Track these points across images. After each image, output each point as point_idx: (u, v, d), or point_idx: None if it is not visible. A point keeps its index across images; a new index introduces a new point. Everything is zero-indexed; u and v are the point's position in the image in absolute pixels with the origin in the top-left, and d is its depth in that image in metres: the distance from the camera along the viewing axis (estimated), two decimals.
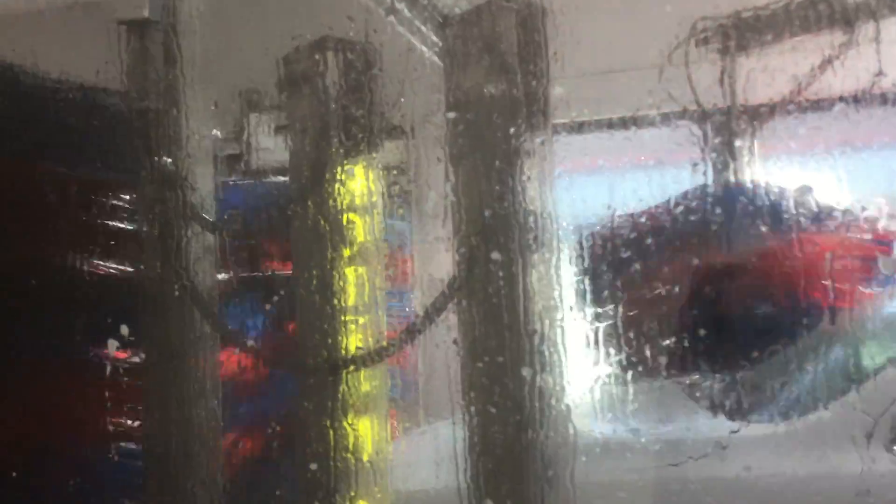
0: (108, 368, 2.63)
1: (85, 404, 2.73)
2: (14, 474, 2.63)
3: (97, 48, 2.48)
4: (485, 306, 2.10)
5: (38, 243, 2.70)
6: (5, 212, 2.60)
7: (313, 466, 2.33)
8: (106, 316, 2.58)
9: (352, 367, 2.33)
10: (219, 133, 2.64)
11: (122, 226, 2.71)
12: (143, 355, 2.52)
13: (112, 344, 2.48)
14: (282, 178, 2.50)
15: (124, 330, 2.45)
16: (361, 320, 2.39)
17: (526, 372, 2.06)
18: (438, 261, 2.46)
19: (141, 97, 2.51)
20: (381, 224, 2.45)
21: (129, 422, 2.64)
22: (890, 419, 2.25)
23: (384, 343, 2.34)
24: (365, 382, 2.37)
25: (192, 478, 2.49)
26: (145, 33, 2.52)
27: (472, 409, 2.11)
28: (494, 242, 2.08)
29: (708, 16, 5.21)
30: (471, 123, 2.15)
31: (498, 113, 2.11)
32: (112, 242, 2.74)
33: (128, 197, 2.59)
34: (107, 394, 2.67)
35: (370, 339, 2.39)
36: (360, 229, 2.41)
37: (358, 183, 2.42)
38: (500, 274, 2.08)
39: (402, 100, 2.36)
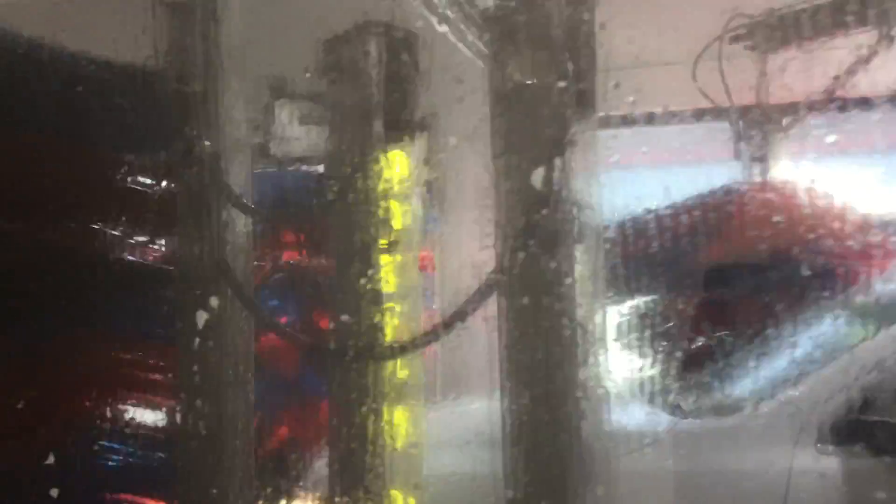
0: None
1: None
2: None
3: (138, 29, 2.47)
4: (526, 299, 2.07)
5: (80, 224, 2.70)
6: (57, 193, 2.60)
7: (346, 454, 2.32)
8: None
9: (391, 355, 2.31)
10: (257, 117, 2.62)
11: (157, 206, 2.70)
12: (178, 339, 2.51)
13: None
14: (320, 165, 2.48)
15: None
16: (399, 308, 2.38)
17: (568, 365, 2.04)
18: (476, 251, 2.45)
19: (180, 80, 2.49)
20: (419, 212, 2.43)
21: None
22: (820, 418, 2.27)
23: (422, 332, 2.32)
24: (402, 370, 2.35)
25: (225, 462, 2.48)
26: (186, 15, 2.50)
27: (512, 400, 2.08)
28: (537, 235, 2.05)
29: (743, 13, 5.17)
30: (515, 113, 2.12)
31: (542, 103, 2.07)
32: (148, 222, 2.73)
33: (164, 179, 2.57)
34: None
35: (408, 327, 2.37)
36: (399, 217, 2.39)
37: (397, 170, 2.40)
38: (542, 266, 2.05)
39: (444, 88, 2.34)
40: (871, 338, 2.48)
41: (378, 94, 2.35)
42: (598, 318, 2.09)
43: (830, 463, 2.23)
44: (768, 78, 5.18)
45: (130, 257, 2.73)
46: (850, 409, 2.27)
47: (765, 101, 5.32)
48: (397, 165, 2.40)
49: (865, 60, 4.88)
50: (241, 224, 2.54)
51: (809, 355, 2.69)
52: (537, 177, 2.06)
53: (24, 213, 2.60)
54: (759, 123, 5.36)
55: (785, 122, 5.34)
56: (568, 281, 2.05)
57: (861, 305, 3.00)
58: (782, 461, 2.17)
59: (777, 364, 2.54)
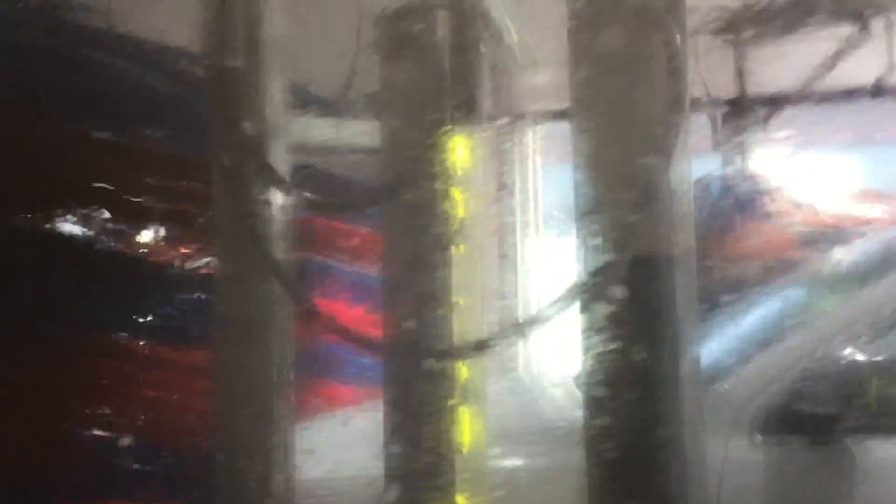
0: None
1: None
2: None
3: (177, 7, 2.28)
4: (611, 307, 1.92)
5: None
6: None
7: (412, 456, 2.17)
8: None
9: (455, 355, 2.17)
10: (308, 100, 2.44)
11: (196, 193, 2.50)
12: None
13: None
14: (377, 149, 2.31)
15: None
16: (461, 302, 2.23)
17: (664, 373, 1.91)
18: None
19: (222, 58, 2.30)
20: (484, 201, 2.29)
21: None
22: (754, 409, 2.28)
23: (499, 331, 2.18)
24: (466, 371, 2.21)
25: (266, 459, 2.31)
26: None
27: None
28: (625, 240, 1.90)
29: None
30: (599, 94, 1.98)
31: (640, 89, 1.93)
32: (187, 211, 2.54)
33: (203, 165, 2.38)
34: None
35: (472, 323, 2.23)
36: (462, 205, 2.24)
37: (461, 157, 2.25)
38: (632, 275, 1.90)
39: (518, 68, 2.20)
40: (804, 330, 2.47)
41: (446, 73, 2.19)
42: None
43: (764, 454, 2.25)
44: (745, 71, 5.18)
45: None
46: (782, 400, 2.29)
47: (742, 94, 5.32)
48: (462, 150, 2.25)
49: (841, 54, 4.90)
50: (286, 213, 2.35)
51: (744, 346, 2.66)
52: (630, 172, 1.92)
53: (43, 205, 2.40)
54: (736, 116, 5.36)
55: (762, 114, 5.34)
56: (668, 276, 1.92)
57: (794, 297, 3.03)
58: (717, 452, 2.13)
59: (712, 354, 2.51)
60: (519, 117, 4.27)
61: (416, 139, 2.20)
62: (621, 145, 1.93)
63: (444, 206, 2.22)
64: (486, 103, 2.34)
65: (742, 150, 5.39)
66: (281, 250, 2.34)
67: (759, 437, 2.25)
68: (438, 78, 2.19)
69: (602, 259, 1.89)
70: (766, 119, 5.21)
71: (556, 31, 2.04)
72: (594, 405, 1.92)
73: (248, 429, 2.31)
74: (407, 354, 2.18)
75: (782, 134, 5.31)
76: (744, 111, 5.31)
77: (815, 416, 2.23)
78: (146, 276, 2.54)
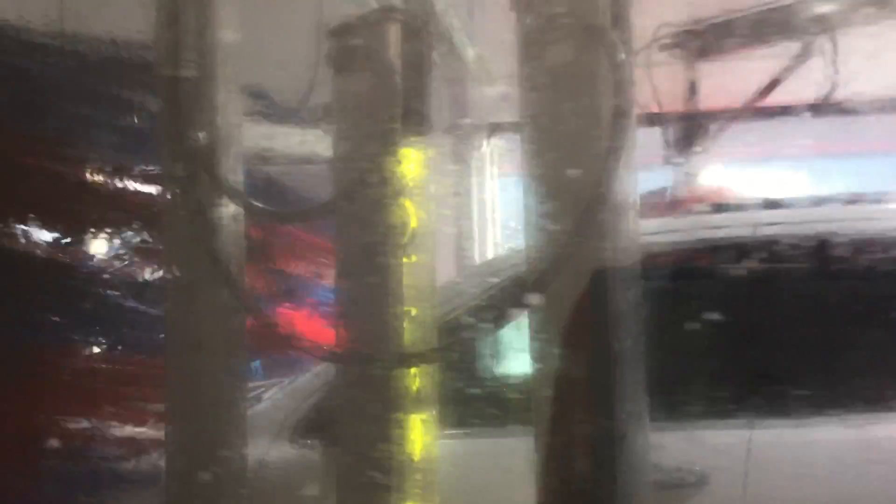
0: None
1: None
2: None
3: (130, 15, 2.28)
4: (564, 310, 1.96)
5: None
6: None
7: (357, 464, 2.19)
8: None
9: (404, 363, 2.19)
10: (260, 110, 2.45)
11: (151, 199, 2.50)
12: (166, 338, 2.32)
13: None
14: (329, 159, 2.33)
15: None
16: (413, 312, 2.25)
17: (609, 378, 1.95)
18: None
19: (173, 68, 2.31)
20: (436, 212, 2.32)
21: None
22: (294, 417, 2.65)
23: (440, 340, 2.21)
24: (416, 379, 2.23)
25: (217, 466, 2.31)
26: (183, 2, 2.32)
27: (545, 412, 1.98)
28: (576, 236, 1.95)
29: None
30: (547, 107, 2.02)
31: (586, 103, 1.98)
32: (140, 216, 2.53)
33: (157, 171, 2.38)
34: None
35: (421, 332, 2.25)
36: (412, 216, 2.27)
37: (412, 167, 2.28)
38: (584, 269, 1.96)
39: (467, 79, 2.23)
40: None
41: (394, 84, 2.22)
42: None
43: (298, 454, 2.62)
44: (696, 85, 5.28)
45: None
46: (311, 411, 2.65)
47: (692, 109, 5.41)
48: (412, 161, 2.28)
49: (788, 70, 5.01)
50: (238, 222, 2.36)
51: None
52: (574, 175, 1.97)
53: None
54: (686, 130, 5.44)
55: (711, 129, 5.43)
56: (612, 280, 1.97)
57: None
58: (258, 452, 2.49)
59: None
60: (475, 129, 4.33)
61: (367, 150, 2.23)
62: (565, 158, 1.97)
63: (395, 217, 2.24)
64: (441, 115, 2.38)
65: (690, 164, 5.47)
66: (233, 260, 2.35)
67: (296, 441, 2.62)
68: (389, 90, 2.22)
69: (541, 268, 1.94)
70: (715, 134, 5.30)
71: (510, 45, 2.09)
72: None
73: (199, 438, 2.31)
74: (356, 363, 2.20)
75: (730, 149, 5.41)
76: (694, 126, 5.40)
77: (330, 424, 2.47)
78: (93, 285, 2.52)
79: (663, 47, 5.21)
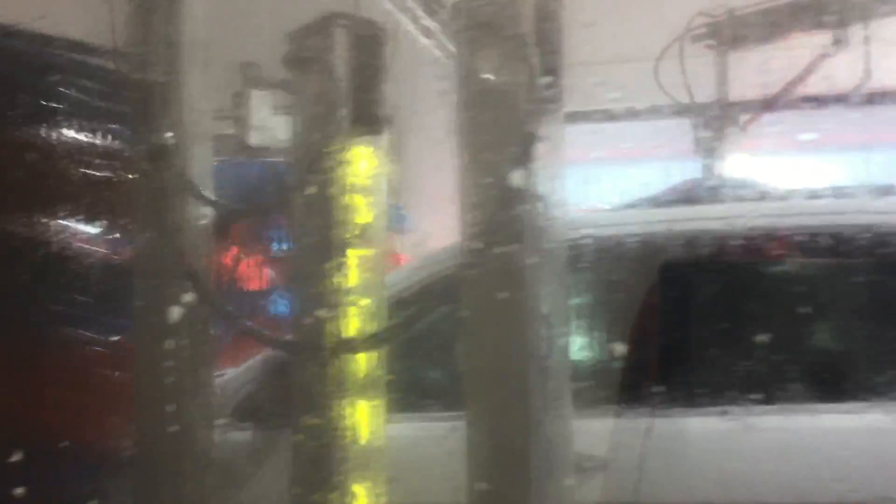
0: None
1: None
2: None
3: (96, 14, 2.42)
4: (491, 298, 2.06)
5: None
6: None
7: (308, 450, 2.30)
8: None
9: (352, 350, 2.30)
10: (220, 108, 2.58)
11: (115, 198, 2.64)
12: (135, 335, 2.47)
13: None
14: (285, 158, 2.45)
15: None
16: (363, 303, 2.36)
17: (531, 362, 2.04)
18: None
19: (140, 68, 2.45)
20: (383, 207, 2.42)
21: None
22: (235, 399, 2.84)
23: (386, 327, 2.31)
24: (363, 366, 2.34)
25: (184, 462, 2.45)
26: (150, 7, 2.46)
27: (477, 400, 2.08)
28: (502, 233, 2.03)
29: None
30: (480, 109, 2.11)
31: (510, 100, 2.06)
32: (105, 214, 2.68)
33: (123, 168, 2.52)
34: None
35: (372, 323, 2.35)
36: (363, 211, 2.37)
37: (362, 165, 2.38)
38: (509, 265, 2.04)
39: (411, 81, 2.32)
40: None
41: (343, 86, 2.32)
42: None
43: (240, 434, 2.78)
44: (728, 76, 5.24)
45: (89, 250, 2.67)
46: (247, 397, 2.84)
47: (724, 99, 5.37)
48: (363, 160, 2.38)
49: (820, 61, 4.95)
50: (202, 218, 2.50)
51: None
52: (505, 174, 2.05)
53: None
54: (717, 120, 5.41)
55: (742, 119, 5.39)
56: (534, 276, 2.04)
57: None
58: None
59: None
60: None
61: (319, 148, 2.34)
62: (492, 157, 2.06)
63: (346, 212, 2.35)
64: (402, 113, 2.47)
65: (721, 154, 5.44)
66: (198, 256, 2.49)
67: (236, 422, 2.81)
68: (338, 92, 2.32)
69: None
70: (747, 124, 5.26)
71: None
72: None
73: (164, 429, 2.45)
74: (306, 350, 2.31)
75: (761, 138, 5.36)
76: (724, 116, 5.37)
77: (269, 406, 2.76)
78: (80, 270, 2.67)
79: (696, 37, 5.19)
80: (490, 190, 2.07)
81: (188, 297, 2.43)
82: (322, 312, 2.32)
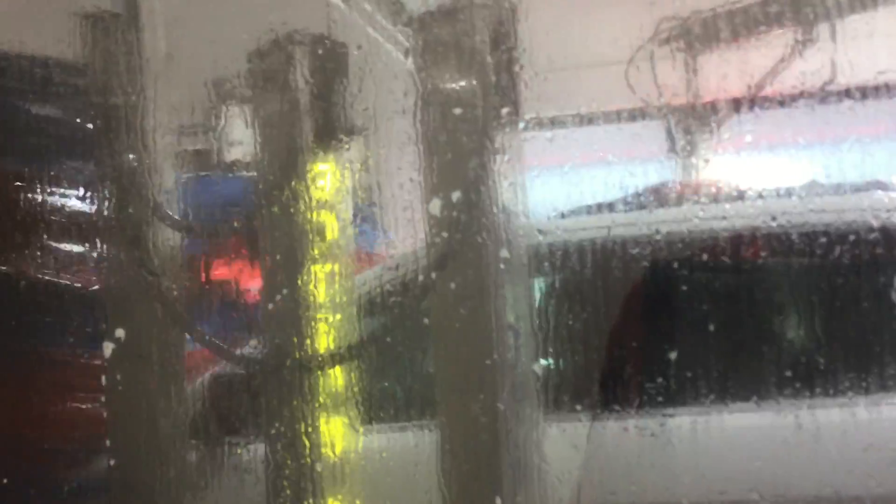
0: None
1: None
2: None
3: (58, 40, 2.43)
4: (458, 306, 2.08)
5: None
6: None
7: (280, 466, 2.31)
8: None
9: (322, 365, 2.31)
10: (184, 129, 2.59)
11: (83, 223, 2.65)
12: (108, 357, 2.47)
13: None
14: (250, 175, 2.46)
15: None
16: (331, 318, 2.37)
17: (497, 371, 2.06)
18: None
19: (103, 91, 2.46)
20: (350, 222, 2.43)
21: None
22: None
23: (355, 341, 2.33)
24: (335, 381, 2.35)
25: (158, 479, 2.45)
26: (108, 26, 2.46)
27: (449, 407, 2.10)
28: (465, 241, 2.06)
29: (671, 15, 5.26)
30: (441, 120, 2.13)
31: (468, 109, 2.09)
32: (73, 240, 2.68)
33: (90, 194, 2.53)
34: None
35: (342, 338, 2.37)
36: (330, 227, 2.39)
37: (328, 180, 2.39)
38: (473, 274, 2.07)
39: (372, 96, 2.34)
40: None
41: (305, 102, 2.34)
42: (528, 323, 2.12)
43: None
44: (698, 77, 5.27)
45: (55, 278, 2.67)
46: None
47: (694, 101, 5.40)
48: (328, 176, 2.40)
49: (787, 60, 4.99)
50: (169, 237, 2.50)
51: None
52: (464, 181, 2.08)
53: None
54: (688, 122, 5.44)
55: (714, 119, 5.42)
56: (501, 283, 2.07)
57: None
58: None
59: None
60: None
61: (282, 165, 2.35)
62: (453, 167, 2.08)
63: (310, 228, 2.37)
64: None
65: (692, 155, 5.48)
66: (168, 276, 2.49)
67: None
68: (299, 109, 2.34)
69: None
70: (718, 125, 5.30)
71: None
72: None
73: (139, 448, 2.45)
74: (276, 367, 2.32)
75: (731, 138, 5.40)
76: (696, 117, 5.40)
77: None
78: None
79: (663, 41, 5.23)
80: (451, 199, 2.10)
81: (158, 319, 2.44)
82: (291, 329, 2.34)
